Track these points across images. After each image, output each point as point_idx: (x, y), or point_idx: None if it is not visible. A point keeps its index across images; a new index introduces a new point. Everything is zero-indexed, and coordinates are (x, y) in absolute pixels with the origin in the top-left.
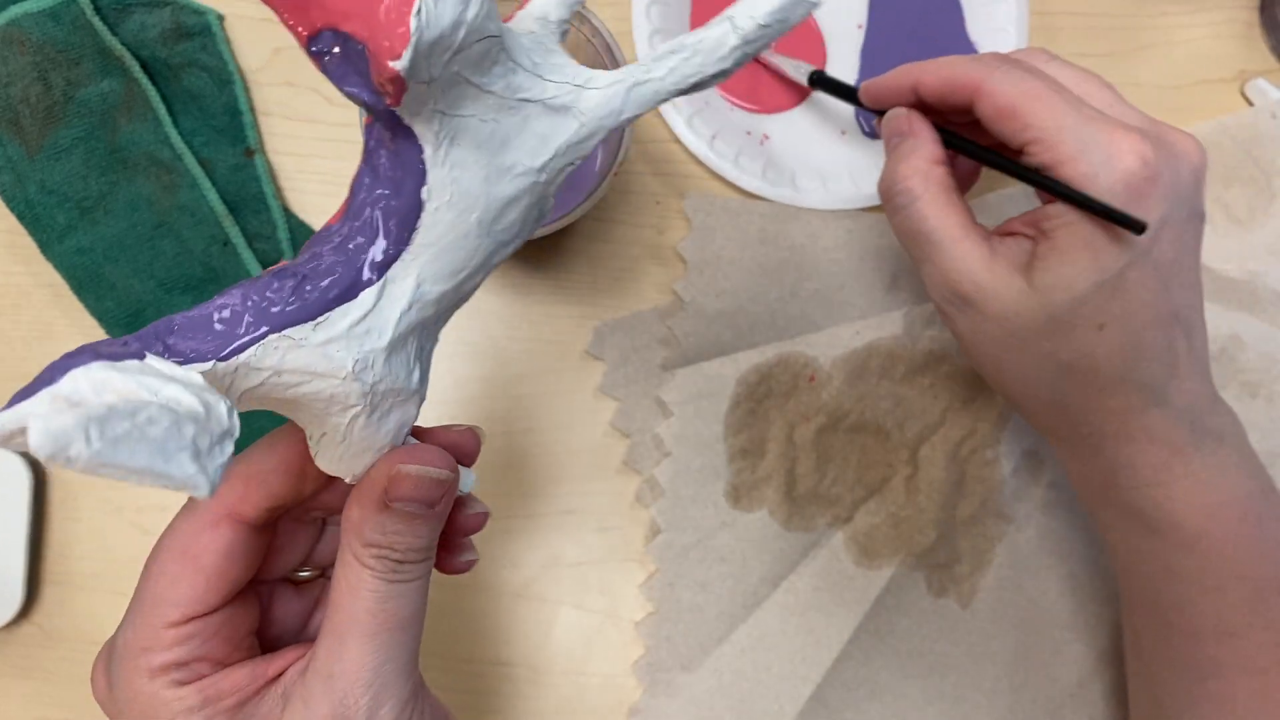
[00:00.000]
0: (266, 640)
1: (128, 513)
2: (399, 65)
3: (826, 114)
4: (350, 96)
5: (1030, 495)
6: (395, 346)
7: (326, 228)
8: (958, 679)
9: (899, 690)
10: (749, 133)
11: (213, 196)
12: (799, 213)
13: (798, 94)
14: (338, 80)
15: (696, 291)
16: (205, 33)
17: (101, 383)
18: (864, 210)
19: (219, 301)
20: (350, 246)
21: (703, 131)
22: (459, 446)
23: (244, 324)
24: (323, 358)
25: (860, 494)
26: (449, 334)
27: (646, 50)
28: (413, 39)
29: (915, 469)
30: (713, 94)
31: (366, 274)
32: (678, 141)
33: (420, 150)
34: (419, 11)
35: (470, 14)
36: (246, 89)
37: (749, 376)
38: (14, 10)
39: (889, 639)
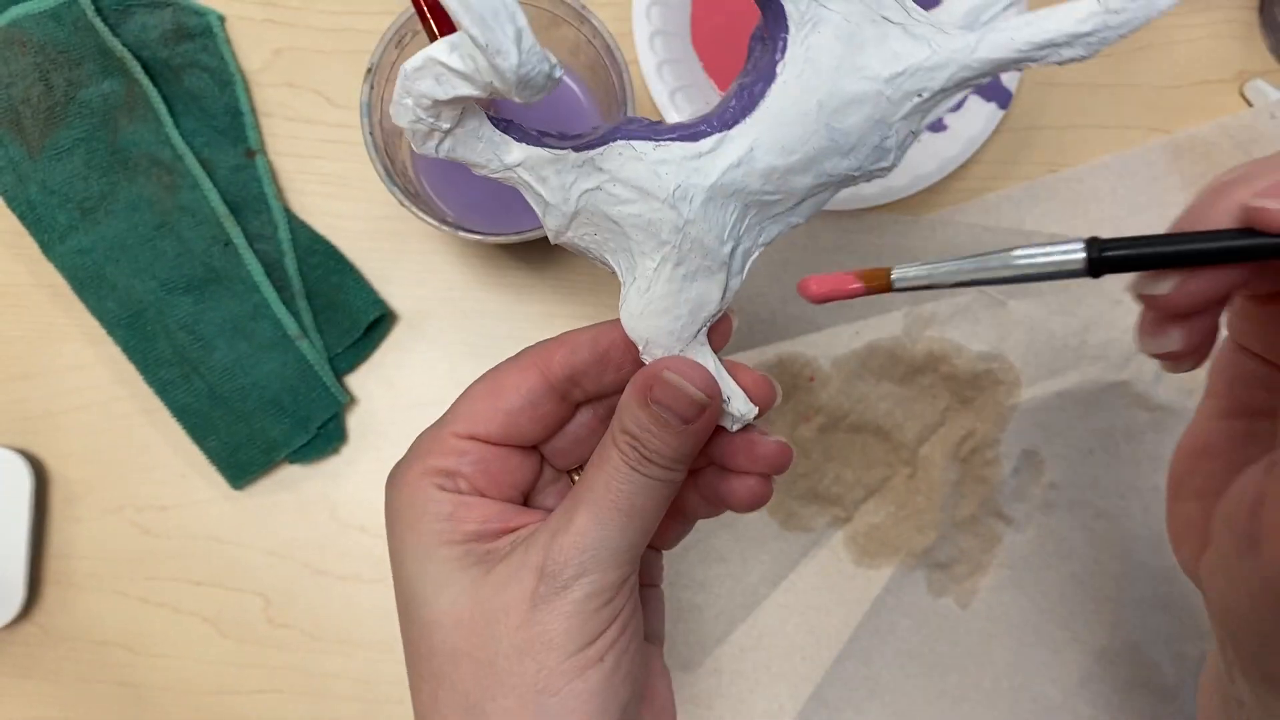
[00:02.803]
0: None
1: (128, 512)
2: None
3: None
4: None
5: (1030, 496)
6: (714, 194)
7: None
8: (958, 679)
9: (899, 690)
10: None
11: (214, 197)
12: None
13: None
14: None
15: None
16: (206, 33)
17: None
18: (864, 210)
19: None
20: (707, 109)
21: None
22: (751, 389)
23: (602, 131)
24: (652, 175)
25: (860, 494)
26: (449, 334)
27: (647, 51)
28: None
29: (915, 469)
30: (714, 95)
31: (711, 126)
32: None
33: (785, 29)
34: None
35: None
36: (247, 90)
37: None
38: (15, 11)
39: (889, 639)
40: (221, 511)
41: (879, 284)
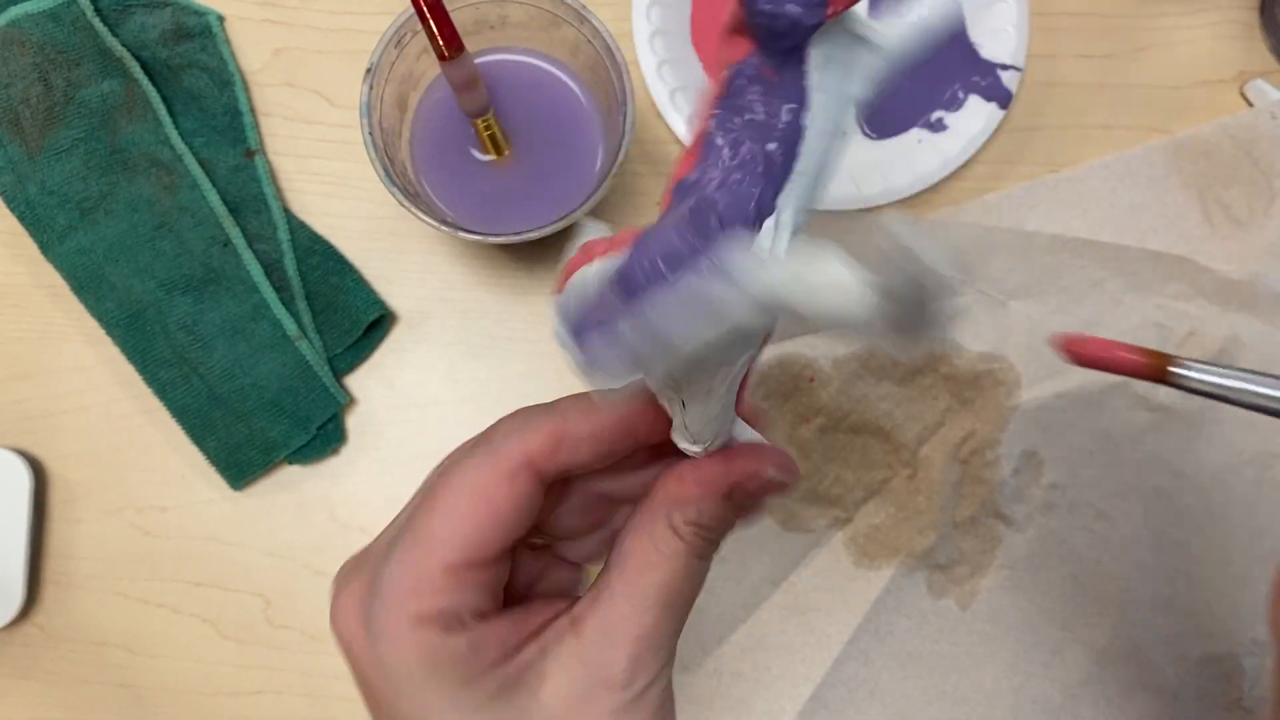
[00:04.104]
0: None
1: (127, 513)
2: None
3: None
4: (776, 19)
5: (1030, 496)
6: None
7: (681, 179)
8: (958, 680)
9: (899, 691)
10: None
11: (213, 197)
12: None
13: None
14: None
15: None
16: (206, 33)
17: None
18: (864, 210)
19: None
20: (732, 182)
21: None
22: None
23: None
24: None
25: (860, 495)
26: (449, 334)
27: (647, 51)
28: None
29: (915, 470)
30: None
31: (757, 209)
32: (678, 142)
33: (804, 75)
34: None
35: None
36: (247, 90)
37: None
38: (14, 11)
39: (889, 640)
40: (221, 512)
41: (1153, 370)
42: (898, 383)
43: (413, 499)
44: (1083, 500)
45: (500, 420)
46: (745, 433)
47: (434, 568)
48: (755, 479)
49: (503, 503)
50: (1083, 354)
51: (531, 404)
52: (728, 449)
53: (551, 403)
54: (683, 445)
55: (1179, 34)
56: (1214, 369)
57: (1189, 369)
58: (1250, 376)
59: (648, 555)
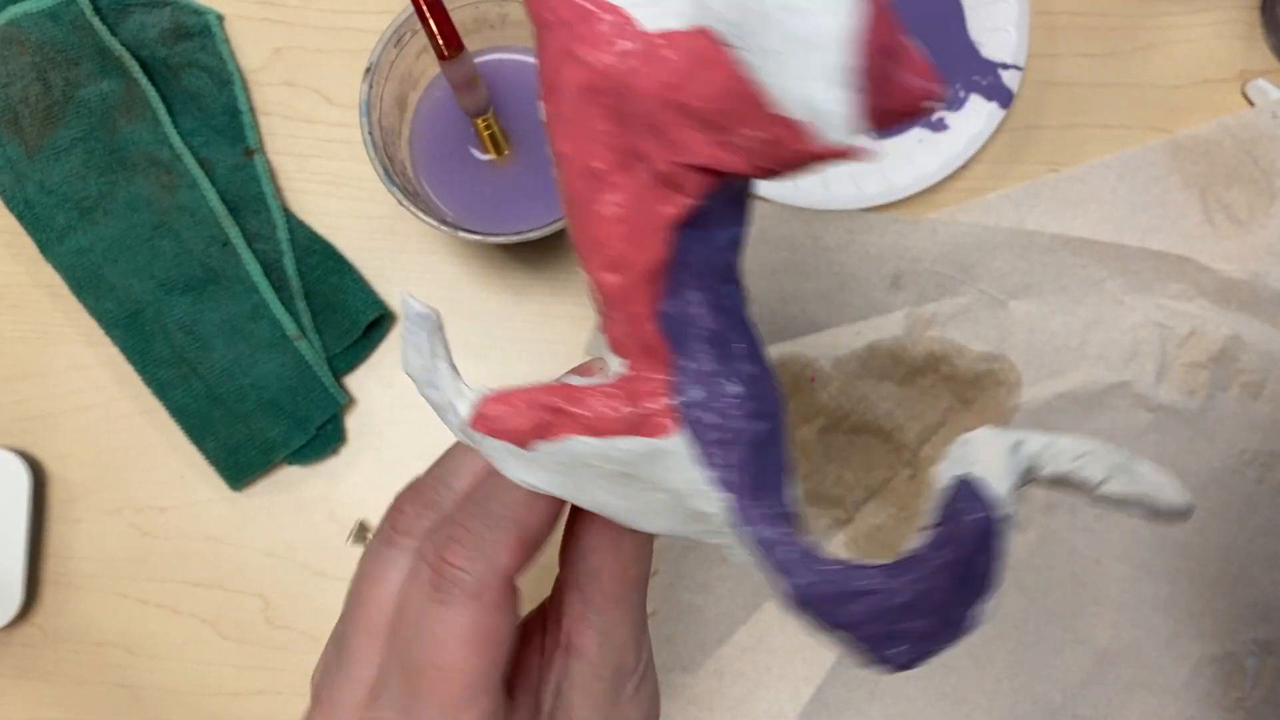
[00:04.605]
0: None
1: (127, 513)
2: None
3: None
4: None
5: (1031, 497)
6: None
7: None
8: (958, 680)
9: (899, 691)
10: None
11: (212, 197)
12: (799, 213)
13: None
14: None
15: None
16: (205, 33)
17: None
18: (865, 210)
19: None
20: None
21: None
22: None
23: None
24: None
25: (861, 495)
26: (449, 334)
27: None
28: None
29: (916, 470)
30: None
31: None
32: None
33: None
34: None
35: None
36: (246, 89)
37: None
38: (13, 10)
39: None
40: (220, 512)
41: None
42: (898, 383)
43: (348, 643)
44: (1083, 501)
45: (447, 548)
46: None
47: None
48: None
49: (504, 630)
50: None
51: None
52: None
53: (491, 507)
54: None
55: (1180, 33)
56: None
57: None
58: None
59: (620, 564)
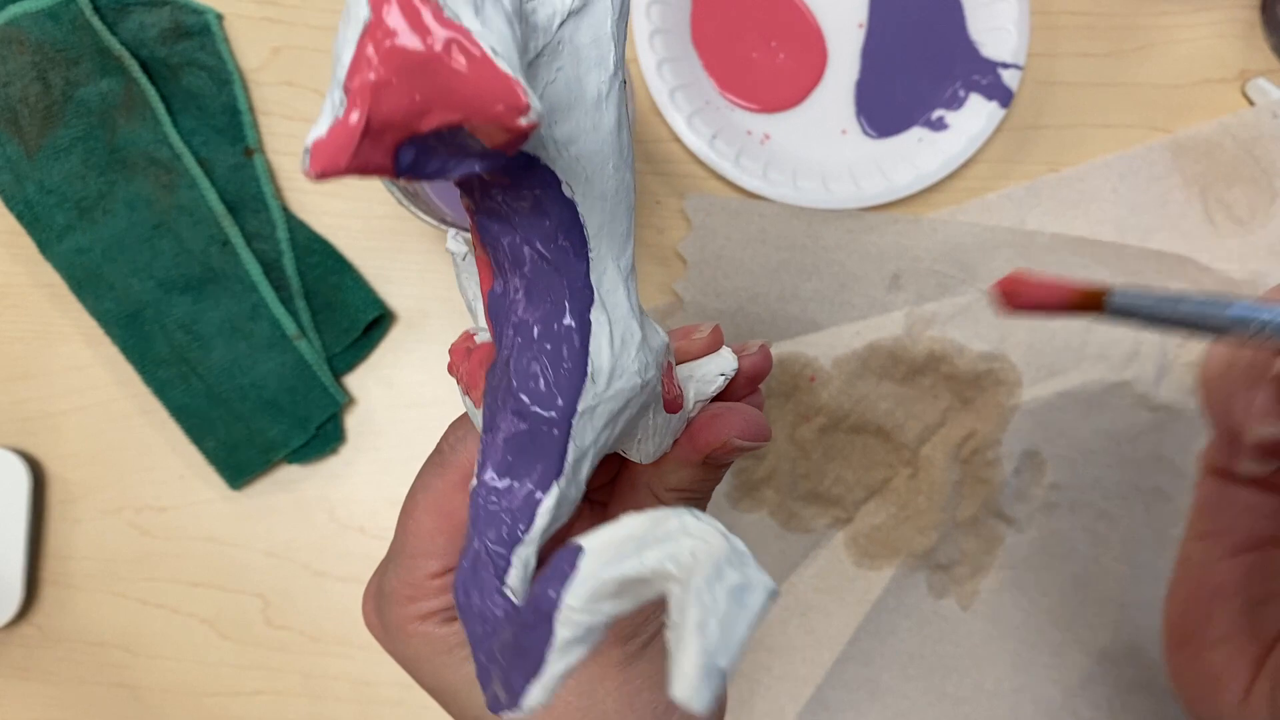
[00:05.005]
0: None
1: (126, 513)
2: (533, 113)
3: (828, 114)
4: (466, 181)
5: (1031, 496)
6: (643, 330)
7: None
8: (958, 681)
9: (900, 691)
10: (750, 132)
11: (211, 196)
12: (800, 212)
13: (799, 93)
14: (442, 173)
15: (697, 291)
16: (204, 32)
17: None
18: (865, 210)
19: (508, 483)
20: (546, 308)
21: (703, 131)
22: (758, 369)
23: (537, 470)
24: (615, 396)
25: (861, 495)
26: (448, 333)
27: (646, 49)
28: (518, 78)
29: (916, 470)
30: (713, 93)
31: (571, 321)
32: (678, 141)
33: (535, 159)
34: (495, 51)
35: (518, 29)
36: (245, 88)
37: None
38: (13, 10)
39: (890, 640)
40: (220, 512)
41: (1092, 302)
42: (898, 382)
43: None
44: (1084, 500)
45: (448, 428)
46: (710, 370)
47: (420, 577)
48: (726, 448)
49: (462, 512)
50: (1021, 297)
51: None
52: (700, 414)
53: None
54: (648, 460)
55: (1180, 32)
56: (1146, 294)
57: (1123, 293)
58: (1183, 296)
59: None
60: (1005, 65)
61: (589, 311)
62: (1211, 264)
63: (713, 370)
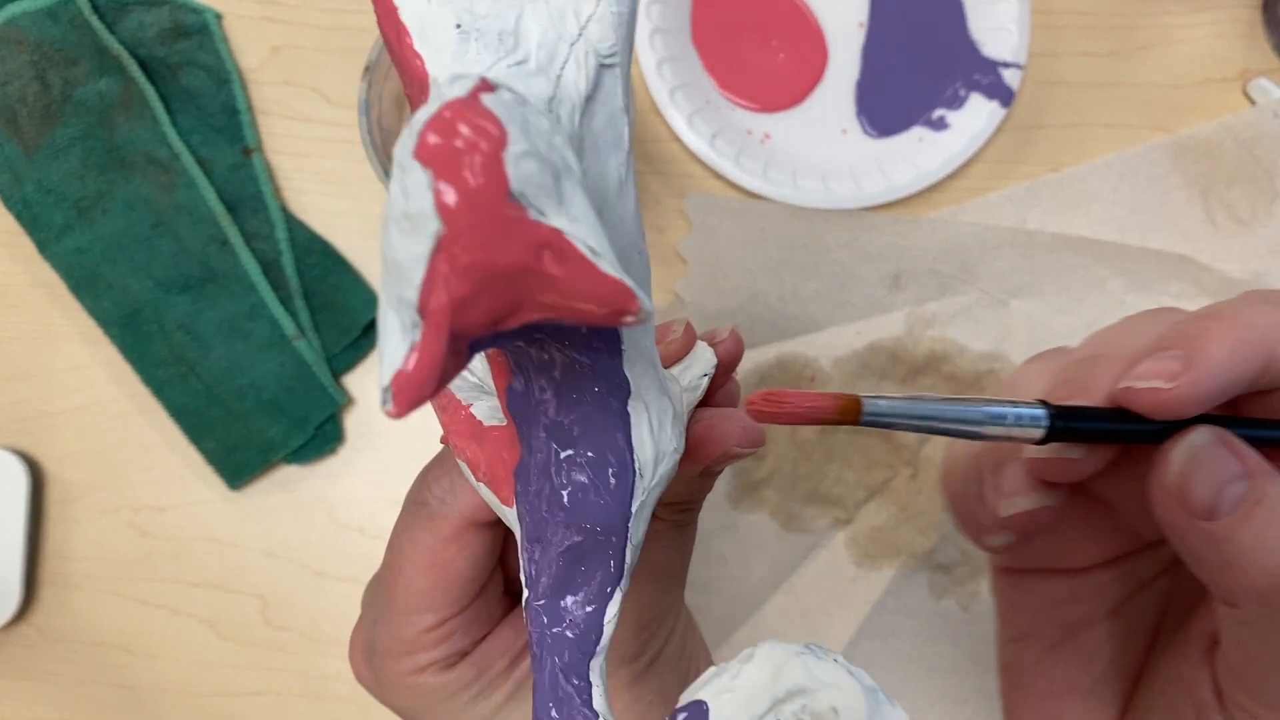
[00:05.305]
0: (507, 583)
1: (125, 514)
2: (644, 313)
3: (828, 113)
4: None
5: None
6: (672, 401)
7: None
8: (959, 681)
9: (900, 692)
10: (750, 132)
11: (210, 196)
12: (800, 212)
13: (799, 92)
14: (510, 342)
15: (697, 291)
16: (203, 31)
17: None
18: (865, 210)
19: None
20: (583, 410)
21: (703, 130)
22: (732, 356)
23: (596, 578)
24: (660, 482)
25: (861, 495)
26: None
27: (647, 49)
28: (626, 281)
29: (917, 470)
30: (713, 93)
31: (613, 421)
32: (678, 140)
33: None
34: (594, 251)
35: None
36: (244, 87)
37: (749, 377)
38: (12, 9)
39: (890, 641)
40: (219, 512)
41: (847, 413)
42: (899, 382)
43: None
44: None
45: (428, 476)
46: (694, 374)
47: (413, 632)
48: (725, 457)
49: (454, 565)
50: (775, 416)
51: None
52: (702, 425)
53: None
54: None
55: (1181, 32)
56: (897, 404)
57: (873, 405)
58: (936, 402)
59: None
60: (1006, 65)
61: (626, 405)
62: (1212, 264)
63: (695, 374)
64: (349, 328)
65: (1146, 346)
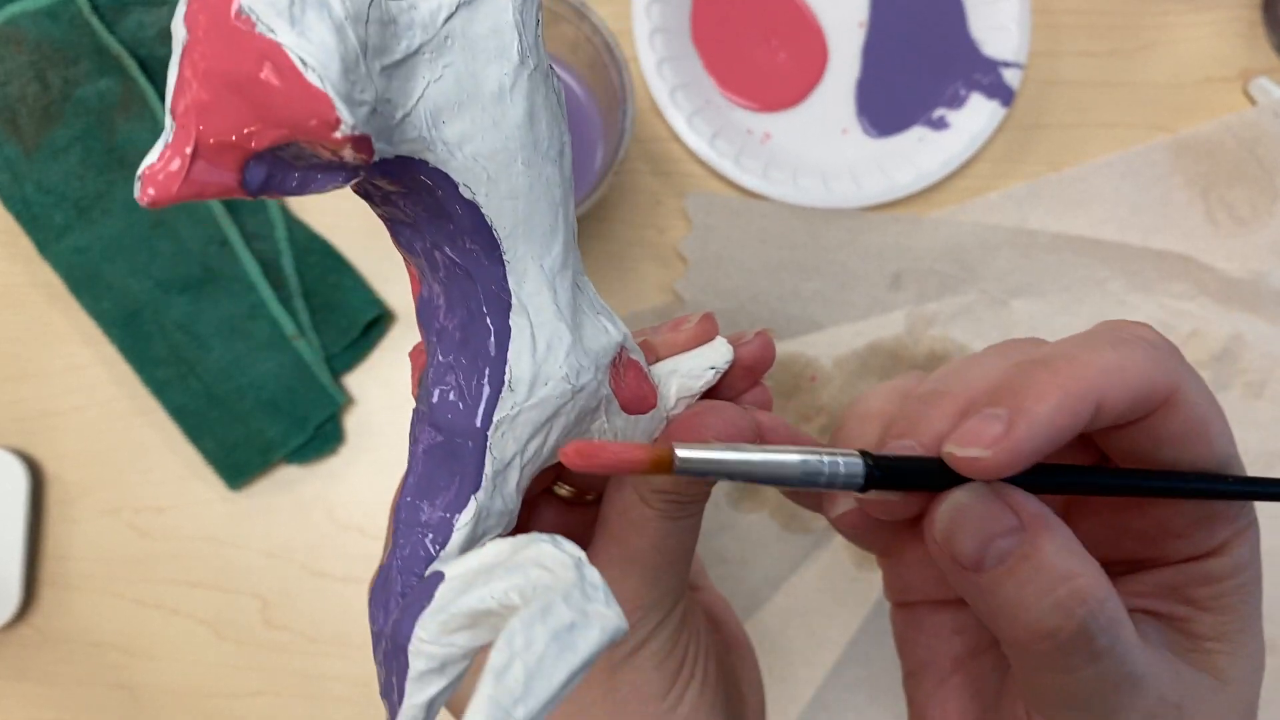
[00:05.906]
0: None
1: (125, 514)
2: (346, 126)
3: (828, 113)
4: (322, 188)
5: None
6: (576, 332)
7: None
8: None
9: (900, 693)
10: (750, 131)
11: None
12: (800, 212)
13: (800, 92)
14: (304, 187)
15: (697, 291)
16: None
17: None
18: (866, 209)
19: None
20: (462, 314)
21: (703, 130)
22: (756, 359)
23: (454, 484)
24: (540, 404)
25: None
26: None
27: (647, 48)
28: (329, 92)
29: None
30: (714, 92)
31: (487, 326)
32: (678, 140)
33: (423, 164)
34: (304, 63)
35: (349, 34)
36: None
37: None
38: (12, 9)
39: (890, 641)
40: (218, 513)
41: (661, 464)
42: None
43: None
44: None
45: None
46: (698, 364)
47: None
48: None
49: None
50: (581, 464)
51: None
52: (687, 412)
53: None
54: None
55: (1182, 32)
56: (709, 456)
57: (686, 456)
58: (753, 451)
59: (619, 526)
60: (1007, 64)
61: (507, 316)
62: (1213, 263)
63: (700, 364)
64: (349, 328)
65: (983, 391)
